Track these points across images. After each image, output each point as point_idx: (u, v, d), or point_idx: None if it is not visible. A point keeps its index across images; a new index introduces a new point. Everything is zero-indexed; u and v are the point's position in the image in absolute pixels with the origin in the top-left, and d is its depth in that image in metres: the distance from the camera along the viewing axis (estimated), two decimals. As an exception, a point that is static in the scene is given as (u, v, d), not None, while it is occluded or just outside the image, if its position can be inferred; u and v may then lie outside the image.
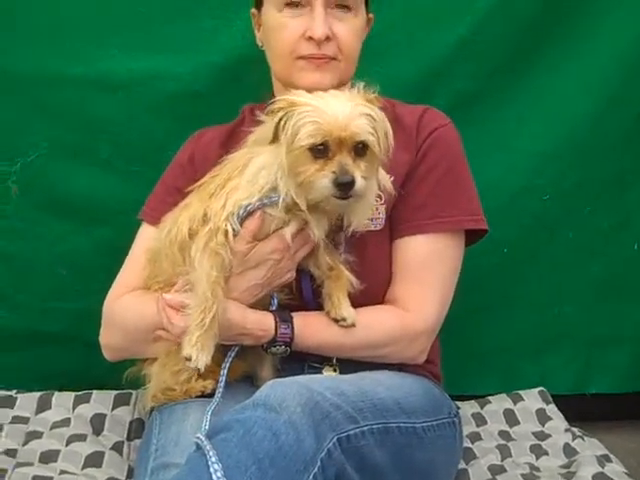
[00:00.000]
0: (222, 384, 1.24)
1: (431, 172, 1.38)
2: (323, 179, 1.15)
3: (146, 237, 1.44)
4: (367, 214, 1.28)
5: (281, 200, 1.19)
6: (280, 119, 1.17)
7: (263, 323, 1.26)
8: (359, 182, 1.15)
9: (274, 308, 1.29)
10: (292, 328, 1.27)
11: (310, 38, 1.35)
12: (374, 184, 1.24)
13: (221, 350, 1.28)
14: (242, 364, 1.33)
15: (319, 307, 1.31)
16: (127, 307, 1.38)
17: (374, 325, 1.32)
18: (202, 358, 1.16)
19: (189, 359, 1.17)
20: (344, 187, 1.14)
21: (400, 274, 1.37)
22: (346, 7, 1.38)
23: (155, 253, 1.35)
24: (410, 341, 1.35)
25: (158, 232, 1.35)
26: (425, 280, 1.36)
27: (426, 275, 1.36)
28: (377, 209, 1.35)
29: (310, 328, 1.29)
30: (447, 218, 1.36)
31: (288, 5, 1.37)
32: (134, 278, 1.41)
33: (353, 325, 1.27)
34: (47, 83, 1.68)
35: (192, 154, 1.49)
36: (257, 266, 1.25)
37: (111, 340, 1.43)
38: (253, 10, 1.48)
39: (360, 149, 1.17)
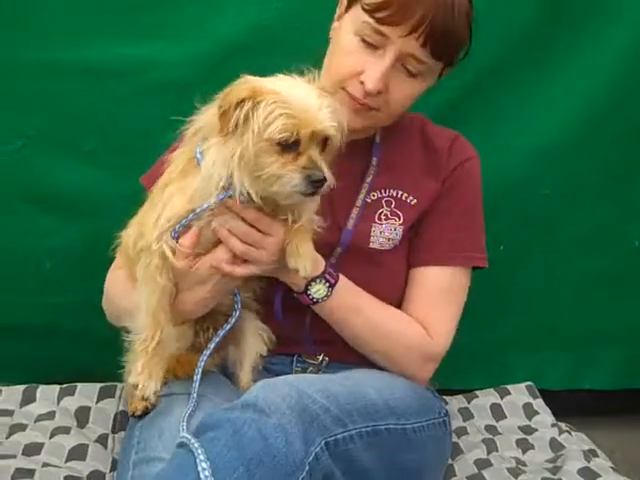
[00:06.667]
0: (196, 388, 1.23)
1: (457, 205, 1.41)
2: (293, 174, 1.10)
3: None
4: (314, 209, 1.23)
5: (237, 193, 1.13)
6: (240, 108, 1.07)
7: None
8: (329, 178, 1.12)
9: (238, 307, 1.27)
10: (338, 276, 1.29)
11: (362, 82, 1.28)
12: None
13: (201, 334, 1.29)
14: (211, 360, 1.30)
15: (288, 319, 1.32)
16: (114, 283, 1.39)
17: (400, 333, 1.36)
18: (150, 386, 1.19)
19: (136, 387, 1.18)
20: (316, 184, 1.10)
21: (421, 298, 1.39)
22: (415, 74, 1.29)
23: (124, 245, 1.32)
24: (424, 363, 1.38)
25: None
26: (445, 309, 1.40)
27: (447, 304, 1.40)
28: (395, 229, 1.37)
29: (351, 292, 1.31)
30: (468, 253, 1.41)
31: (363, 40, 1.27)
32: None
33: (305, 279, 1.25)
34: (33, 72, 1.65)
35: None
36: (203, 282, 1.23)
37: (106, 308, 1.42)
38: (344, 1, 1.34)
39: (324, 142, 1.14)
